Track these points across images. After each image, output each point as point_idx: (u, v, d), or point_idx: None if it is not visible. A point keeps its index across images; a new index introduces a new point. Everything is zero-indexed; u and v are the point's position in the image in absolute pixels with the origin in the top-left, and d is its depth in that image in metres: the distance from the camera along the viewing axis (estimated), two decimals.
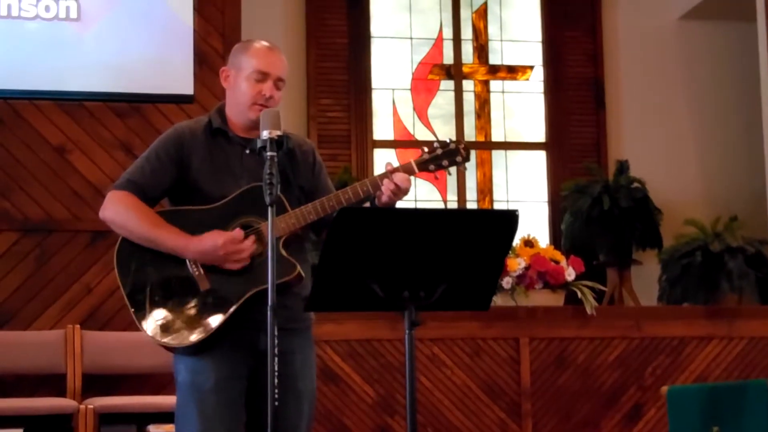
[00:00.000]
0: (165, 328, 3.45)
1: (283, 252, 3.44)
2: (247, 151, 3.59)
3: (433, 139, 3.62)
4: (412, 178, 3.51)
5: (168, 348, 3.50)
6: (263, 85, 3.59)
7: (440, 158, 3.57)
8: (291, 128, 3.64)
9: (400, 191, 3.47)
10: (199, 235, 3.48)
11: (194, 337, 3.43)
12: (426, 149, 3.58)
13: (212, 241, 3.46)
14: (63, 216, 6.35)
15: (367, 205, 3.54)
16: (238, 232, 3.46)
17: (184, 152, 3.59)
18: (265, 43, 3.66)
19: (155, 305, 3.47)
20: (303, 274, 3.48)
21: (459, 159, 3.60)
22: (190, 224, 3.51)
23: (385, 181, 3.46)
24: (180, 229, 3.50)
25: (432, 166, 3.57)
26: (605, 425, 6.20)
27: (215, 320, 3.43)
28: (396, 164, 3.52)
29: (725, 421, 3.98)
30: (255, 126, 3.57)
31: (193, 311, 3.46)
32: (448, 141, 3.60)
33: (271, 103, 3.59)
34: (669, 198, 7.80)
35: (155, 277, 3.50)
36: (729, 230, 7.15)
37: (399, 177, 3.47)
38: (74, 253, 6.32)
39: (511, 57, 8.35)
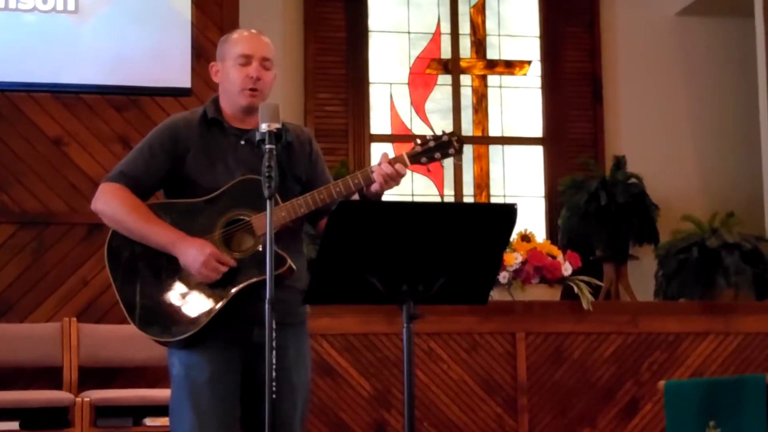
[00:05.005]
0: (155, 322, 3.43)
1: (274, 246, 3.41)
2: (242, 143, 3.58)
3: (431, 134, 3.58)
4: (408, 172, 3.49)
5: (160, 342, 3.48)
6: (249, 68, 3.55)
7: (432, 150, 3.50)
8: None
9: (396, 176, 3.44)
10: (189, 231, 3.45)
11: (185, 331, 3.41)
12: (418, 141, 3.52)
13: (197, 252, 3.42)
14: (60, 209, 6.34)
15: (356, 197, 3.52)
16: (227, 260, 3.45)
17: (179, 144, 3.56)
18: (245, 30, 3.66)
19: (146, 299, 3.45)
20: (294, 267, 3.45)
21: (451, 151, 3.52)
22: (180, 217, 3.49)
23: (381, 165, 3.43)
24: (170, 224, 3.48)
25: (424, 159, 3.50)
26: (601, 420, 6.20)
27: (206, 314, 3.41)
28: (392, 156, 3.50)
29: (722, 415, 3.98)
30: (248, 113, 3.57)
31: (183, 305, 3.44)
32: (441, 133, 3.56)
33: (260, 84, 3.56)
34: (666, 193, 7.80)
35: (146, 270, 3.47)
36: (726, 226, 7.15)
37: (394, 162, 3.44)
38: (71, 245, 6.32)
39: (508, 52, 8.35)
